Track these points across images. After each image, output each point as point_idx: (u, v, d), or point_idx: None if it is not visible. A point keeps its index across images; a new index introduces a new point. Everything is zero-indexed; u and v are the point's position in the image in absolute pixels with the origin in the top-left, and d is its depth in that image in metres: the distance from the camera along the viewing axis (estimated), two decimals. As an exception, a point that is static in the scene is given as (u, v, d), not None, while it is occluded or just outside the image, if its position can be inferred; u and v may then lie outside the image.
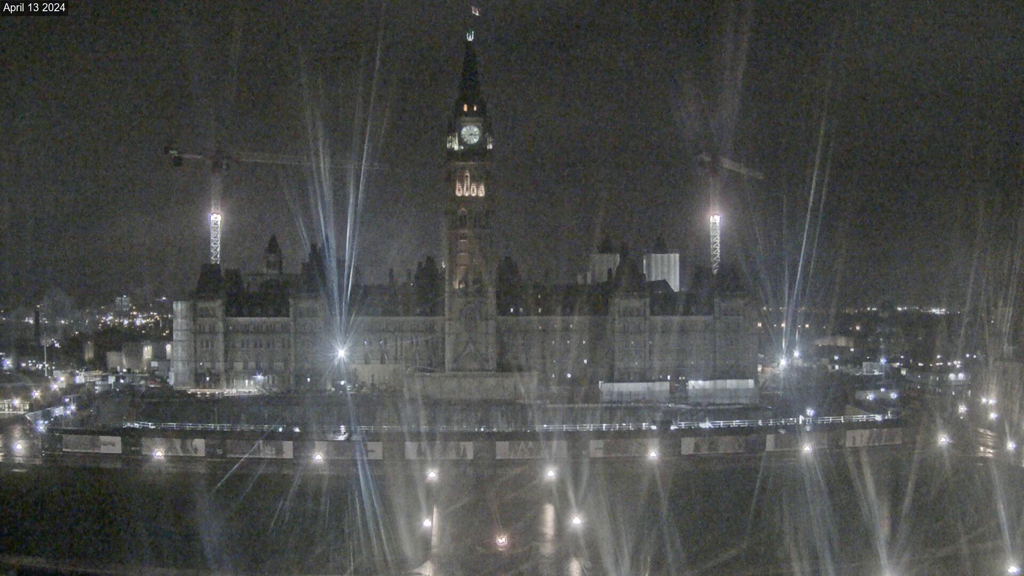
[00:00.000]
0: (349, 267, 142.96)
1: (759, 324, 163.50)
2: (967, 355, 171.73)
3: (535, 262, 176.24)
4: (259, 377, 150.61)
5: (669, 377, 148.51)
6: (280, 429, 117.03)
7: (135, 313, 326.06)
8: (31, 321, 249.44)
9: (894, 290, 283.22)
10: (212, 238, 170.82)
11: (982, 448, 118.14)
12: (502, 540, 73.89)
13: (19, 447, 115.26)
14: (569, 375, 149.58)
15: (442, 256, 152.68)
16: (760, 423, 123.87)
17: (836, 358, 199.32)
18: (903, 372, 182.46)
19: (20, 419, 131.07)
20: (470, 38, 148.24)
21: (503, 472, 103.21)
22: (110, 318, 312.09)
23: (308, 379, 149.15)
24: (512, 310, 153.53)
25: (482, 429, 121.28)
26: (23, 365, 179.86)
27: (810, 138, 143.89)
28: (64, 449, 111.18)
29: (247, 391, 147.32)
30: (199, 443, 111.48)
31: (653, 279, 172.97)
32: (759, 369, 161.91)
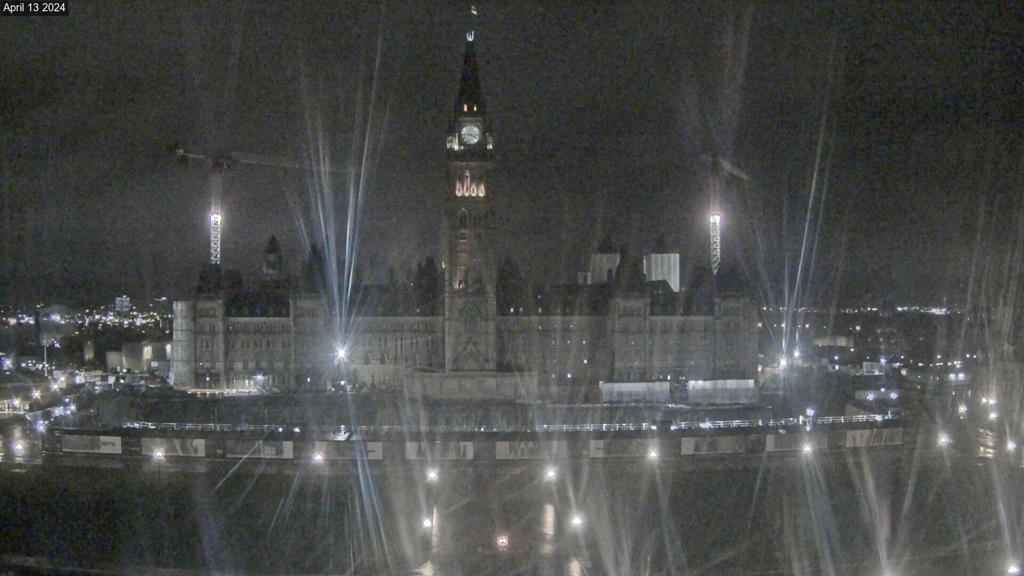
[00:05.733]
0: (349, 267, 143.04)
1: (759, 324, 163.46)
2: (967, 355, 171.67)
3: (535, 262, 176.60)
4: (259, 377, 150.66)
5: (669, 377, 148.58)
6: (280, 429, 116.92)
7: (135, 313, 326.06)
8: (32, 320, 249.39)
9: (894, 290, 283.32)
10: (212, 238, 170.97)
11: (982, 448, 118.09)
12: (502, 540, 73.88)
13: (19, 447, 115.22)
14: (569, 375, 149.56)
15: (442, 256, 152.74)
16: (760, 423, 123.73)
17: (836, 358, 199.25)
18: (903, 372, 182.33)
19: (20, 419, 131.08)
20: (470, 38, 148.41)
21: (503, 472, 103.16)
22: (110, 318, 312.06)
23: (308, 379, 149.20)
24: (512, 310, 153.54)
25: (482, 429, 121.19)
26: (23, 365, 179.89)
27: (810, 138, 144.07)
28: (64, 449, 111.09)
29: (247, 391, 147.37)
30: (199, 443, 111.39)
31: (653, 279, 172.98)
32: (759, 369, 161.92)
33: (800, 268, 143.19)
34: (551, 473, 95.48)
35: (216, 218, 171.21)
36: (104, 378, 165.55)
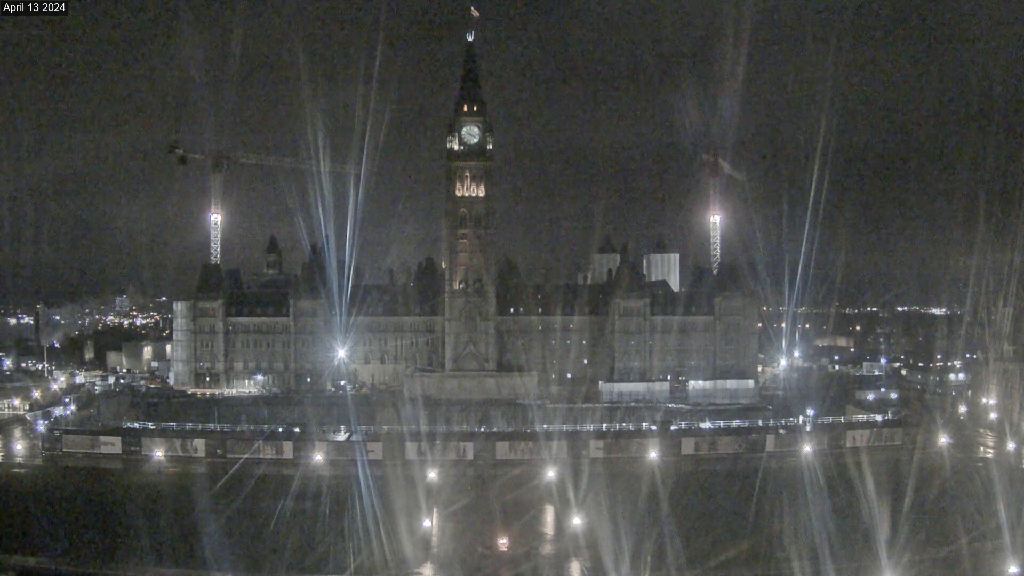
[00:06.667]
0: (349, 267, 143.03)
1: (759, 324, 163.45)
2: (967, 355, 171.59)
3: (535, 262, 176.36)
4: (259, 377, 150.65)
5: (669, 377, 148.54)
6: (280, 429, 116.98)
7: (135, 313, 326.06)
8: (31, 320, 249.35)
9: (894, 290, 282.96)
10: (212, 238, 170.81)
11: (982, 448, 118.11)
12: (502, 540, 73.88)
13: (19, 447, 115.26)
14: (569, 375, 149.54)
15: (442, 256, 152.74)
16: (760, 423, 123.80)
17: (836, 358, 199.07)
18: (903, 372, 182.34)
19: (20, 419, 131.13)
20: (470, 38, 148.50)
21: (503, 472, 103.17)
22: (110, 318, 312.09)
23: (308, 379, 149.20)
24: (512, 310, 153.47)
25: (482, 429, 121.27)
26: (23, 365, 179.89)
27: (810, 138, 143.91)
28: (64, 449, 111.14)
29: (247, 391, 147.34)
30: (199, 443, 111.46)
31: (653, 279, 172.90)
32: (759, 369, 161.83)
33: (800, 268, 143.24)
34: (551, 473, 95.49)
35: (216, 218, 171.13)
36: (104, 378, 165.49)
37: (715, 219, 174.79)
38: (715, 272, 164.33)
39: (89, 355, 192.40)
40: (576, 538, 74.65)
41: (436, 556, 73.95)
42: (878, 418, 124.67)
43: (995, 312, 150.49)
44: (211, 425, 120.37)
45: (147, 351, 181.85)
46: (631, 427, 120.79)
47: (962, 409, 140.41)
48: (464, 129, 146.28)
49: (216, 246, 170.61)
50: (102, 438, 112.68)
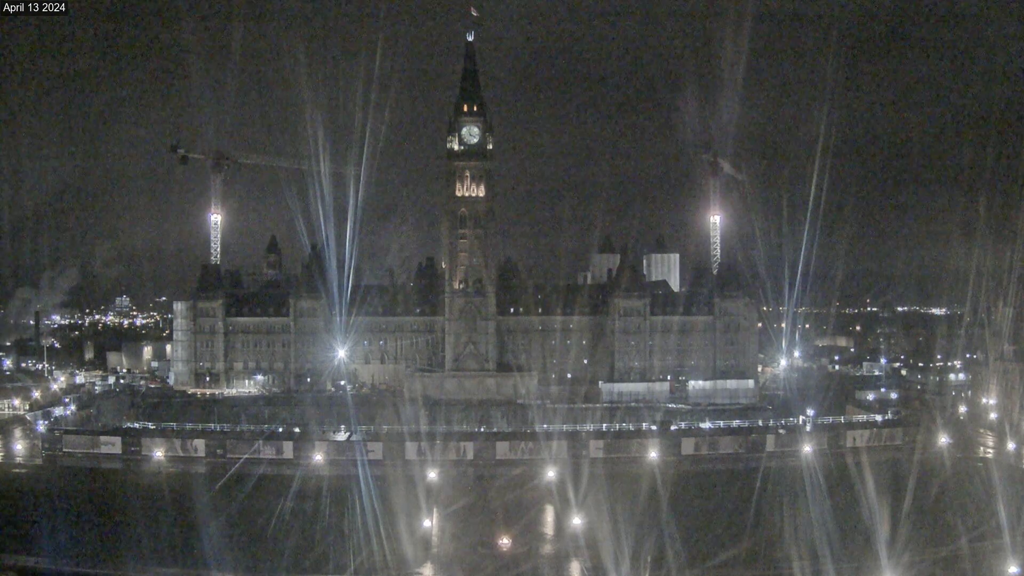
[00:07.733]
0: (349, 267, 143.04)
1: (759, 324, 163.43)
2: (967, 355, 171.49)
3: (535, 262, 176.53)
4: (259, 377, 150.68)
5: (669, 377, 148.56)
6: (280, 429, 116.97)
7: (135, 313, 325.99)
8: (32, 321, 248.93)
9: (894, 290, 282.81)
10: (212, 238, 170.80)
11: (982, 448, 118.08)
12: (502, 540, 73.86)
13: (19, 447, 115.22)
14: (569, 375, 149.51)
15: (442, 256, 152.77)
16: (760, 423, 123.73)
17: (836, 358, 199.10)
18: (903, 372, 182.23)
19: (20, 419, 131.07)
20: (470, 38, 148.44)
21: (503, 472, 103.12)
22: (110, 318, 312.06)
23: (308, 379, 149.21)
24: (512, 310, 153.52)
25: (482, 429, 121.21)
26: (23, 365, 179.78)
27: (810, 137, 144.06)
28: (64, 449, 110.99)
29: (247, 391, 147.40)
30: (199, 443, 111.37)
31: (653, 279, 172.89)
32: (759, 369, 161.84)
33: (800, 268, 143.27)
34: (551, 473, 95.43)
35: (216, 218, 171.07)
36: (104, 378, 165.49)
37: (715, 219, 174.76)
38: (715, 272, 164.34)
39: (89, 355, 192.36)
40: (576, 538, 74.58)
41: (436, 556, 73.93)
42: (878, 418, 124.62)
43: (995, 312, 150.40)
44: (211, 425, 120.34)
45: (147, 351, 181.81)
46: (631, 427, 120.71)
47: (962, 409, 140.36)
48: (464, 129, 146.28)
49: (216, 246, 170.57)
50: (102, 438, 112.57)
